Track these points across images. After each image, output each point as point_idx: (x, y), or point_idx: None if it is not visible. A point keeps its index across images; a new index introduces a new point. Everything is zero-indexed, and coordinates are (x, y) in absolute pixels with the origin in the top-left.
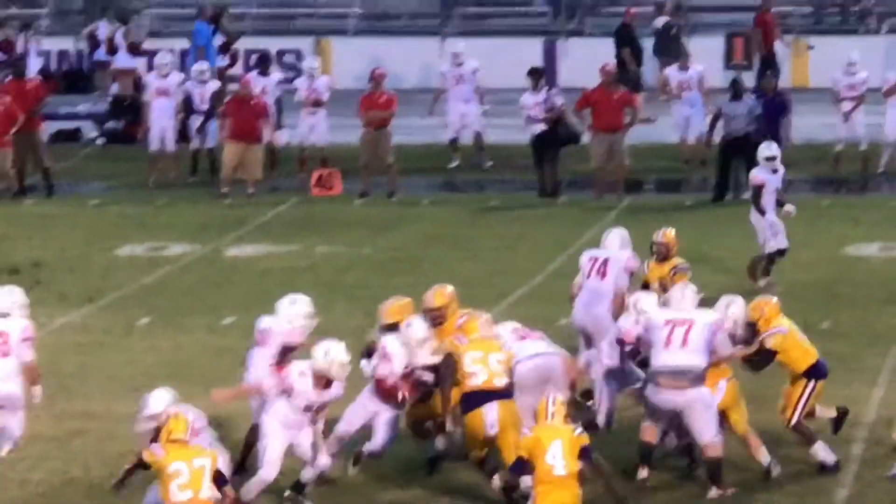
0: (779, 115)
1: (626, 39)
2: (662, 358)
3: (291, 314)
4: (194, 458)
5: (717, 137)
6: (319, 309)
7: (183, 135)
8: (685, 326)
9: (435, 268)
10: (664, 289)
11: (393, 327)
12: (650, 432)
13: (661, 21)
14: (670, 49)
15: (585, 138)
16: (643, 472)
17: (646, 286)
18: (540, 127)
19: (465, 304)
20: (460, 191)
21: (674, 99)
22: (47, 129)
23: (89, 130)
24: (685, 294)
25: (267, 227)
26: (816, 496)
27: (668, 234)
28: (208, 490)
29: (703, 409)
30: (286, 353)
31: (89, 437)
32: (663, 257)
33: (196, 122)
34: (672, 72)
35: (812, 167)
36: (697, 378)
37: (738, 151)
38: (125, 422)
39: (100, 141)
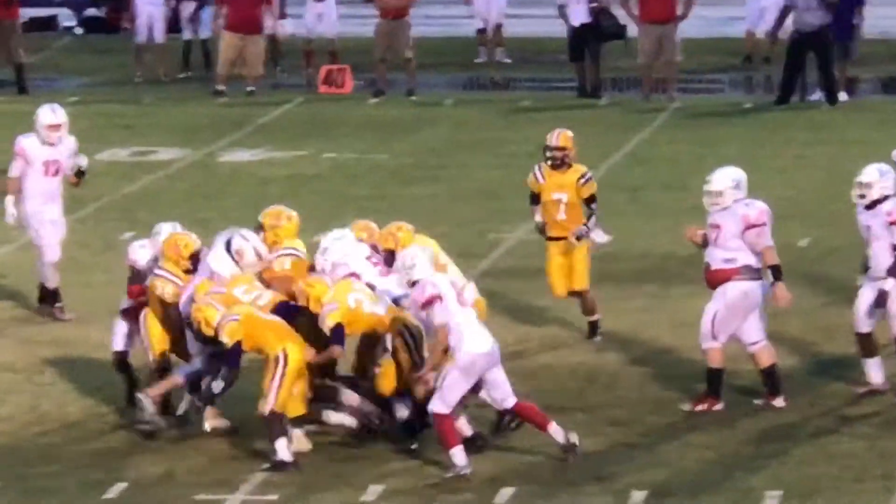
0: (853, 7)
1: None
2: None
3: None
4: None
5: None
6: (326, 223)
7: (173, 24)
8: None
9: (458, 176)
10: (567, 201)
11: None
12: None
13: None
14: None
15: (632, 31)
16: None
17: (536, 198)
18: (580, 18)
19: (493, 218)
20: (487, 89)
21: None
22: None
23: (66, 18)
24: None
25: (268, 130)
26: (891, 439)
27: (564, 135)
28: None
29: None
30: None
31: (63, 367)
32: (559, 163)
33: (188, 9)
34: None
35: (884, 65)
36: None
37: (810, 48)
38: (104, 349)
39: (78, 30)
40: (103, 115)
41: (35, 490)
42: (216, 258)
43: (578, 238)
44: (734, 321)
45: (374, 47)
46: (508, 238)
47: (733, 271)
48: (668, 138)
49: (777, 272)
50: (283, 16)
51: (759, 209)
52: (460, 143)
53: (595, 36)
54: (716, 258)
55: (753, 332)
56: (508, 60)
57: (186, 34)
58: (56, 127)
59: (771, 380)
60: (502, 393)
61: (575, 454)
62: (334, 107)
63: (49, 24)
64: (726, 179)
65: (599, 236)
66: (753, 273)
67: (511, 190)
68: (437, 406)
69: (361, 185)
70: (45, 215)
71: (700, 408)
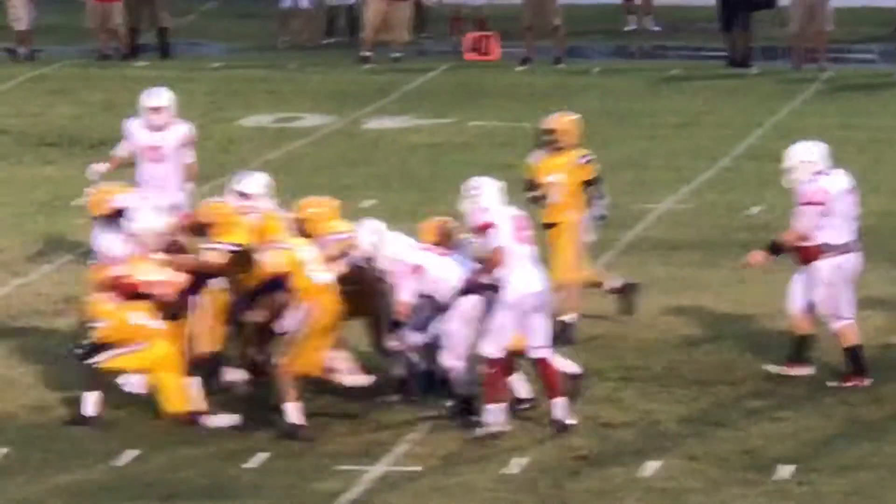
0: None
1: None
2: None
3: None
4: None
5: None
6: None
7: None
8: None
9: (605, 146)
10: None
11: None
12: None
13: None
14: None
15: None
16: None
17: (532, 185)
18: None
19: (639, 188)
20: (636, 58)
21: None
22: None
23: None
24: None
25: (413, 97)
26: None
27: (561, 119)
28: None
29: None
30: None
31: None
32: (557, 147)
33: None
34: None
35: None
36: None
37: None
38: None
39: None
40: (247, 80)
41: (177, 460)
42: None
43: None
44: (841, 294)
45: (522, 15)
46: (655, 208)
47: (815, 249)
48: (818, 109)
49: (775, 248)
50: None
51: (819, 187)
52: (607, 113)
53: (745, 5)
54: None
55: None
56: (658, 28)
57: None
58: (157, 110)
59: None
60: (538, 341)
61: (561, 432)
62: (481, 74)
63: None
64: (798, 155)
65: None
66: (838, 248)
67: (658, 160)
68: (489, 348)
69: (507, 153)
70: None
71: (850, 384)
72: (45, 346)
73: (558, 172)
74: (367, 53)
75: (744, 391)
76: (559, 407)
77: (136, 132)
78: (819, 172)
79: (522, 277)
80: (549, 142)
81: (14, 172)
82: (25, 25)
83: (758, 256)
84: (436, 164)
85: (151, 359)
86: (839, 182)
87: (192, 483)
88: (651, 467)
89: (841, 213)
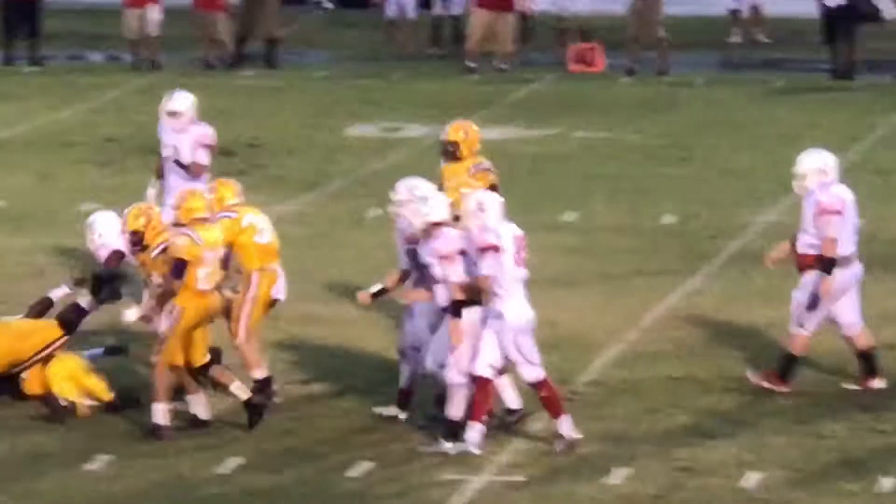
0: None
1: None
2: None
3: None
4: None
5: None
6: (573, 202)
7: (425, 0)
8: None
9: (708, 157)
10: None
11: None
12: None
13: None
14: None
15: (888, 13)
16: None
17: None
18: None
19: (743, 199)
20: (740, 70)
21: None
22: None
23: None
24: None
25: (518, 107)
26: None
27: (453, 127)
28: None
29: None
30: None
31: (311, 343)
32: (452, 157)
33: None
34: None
35: None
36: None
37: None
38: (353, 325)
39: (328, 5)
40: (352, 90)
41: (280, 469)
42: None
43: None
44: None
45: (627, 26)
46: (759, 220)
47: (817, 258)
48: None
49: (825, 265)
50: None
51: (835, 196)
52: (711, 124)
53: (848, 17)
54: (802, 242)
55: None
56: (767, 40)
57: (437, 10)
58: (175, 114)
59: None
60: (532, 360)
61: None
62: (585, 85)
63: None
64: (811, 162)
65: None
66: (847, 259)
67: (761, 171)
68: (481, 368)
69: (611, 164)
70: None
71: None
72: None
73: (456, 181)
74: (472, 64)
75: (846, 403)
76: (565, 424)
77: (163, 137)
78: (829, 182)
79: (517, 301)
80: (446, 151)
81: (120, 179)
82: (157, 32)
83: (827, 285)
84: (540, 175)
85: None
86: (848, 192)
87: (294, 492)
88: (752, 478)
89: (851, 223)
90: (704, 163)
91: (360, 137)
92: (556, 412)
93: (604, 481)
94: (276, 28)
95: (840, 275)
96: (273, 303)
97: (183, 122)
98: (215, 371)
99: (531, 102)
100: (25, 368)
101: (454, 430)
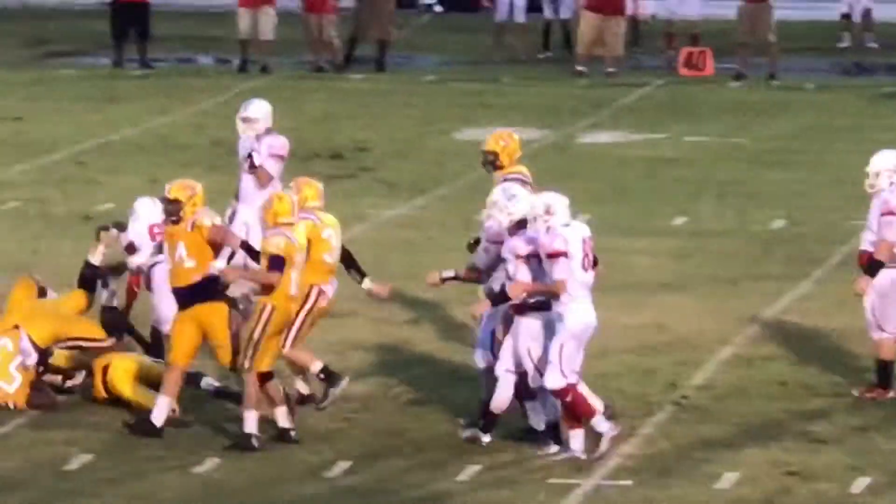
0: None
1: None
2: None
3: None
4: None
5: None
6: (684, 207)
7: (534, 3)
8: None
9: (818, 163)
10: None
11: None
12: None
13: None
14: None
15: None
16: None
17: None
18: None
19: (852, 204)
20: (851, 75)
21: None
22: None
23: None
24: None
25: (627, 112)
26: None
27: (494, 137)
28: None
29: None
30: None
31: (421, 345)
32: (492, 166)
33: None
34: None
35: None
36: None
37: None
38: (462, 330)
39: (438, 8)
40: (461, 94)
41: (387, 472)
42: None
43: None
44: (890, 308)
45: (737, 30)
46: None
47: (868, 256)
48: None
49: (872, 267)
50: None
51: None
52: (821, 129)
53: None
54: (865, 240)
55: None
56: (876, 46)
57: (547, 14)
58: (247, 120)
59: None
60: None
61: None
62: (695, 90)
63: (410, 1)
64: (884, 161)
65: None
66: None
67: None
68: (556, 380)
69: (721, 169)
70: (241, 216)
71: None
72: None
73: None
74: (582, 68)
75: None
76: (577, 438)
77: (241, 144)
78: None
79: (582, 306)
80: (484, 161)
81: (227, 183)
82: (271, 36)
83: (863, 283)
84: (650, 179)
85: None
86: None
87: (403, 496)
88: (862, 483)
89: None
90: (814, 167)
91: (470, 141)
92: (572, 423)
93: (713, 486)
94: (389, 31)
95: (885, 277)
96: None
97: (257, 129)
98: (270, 386)
99: (640, 106)
100: (64, 348)
101: (490, 423)
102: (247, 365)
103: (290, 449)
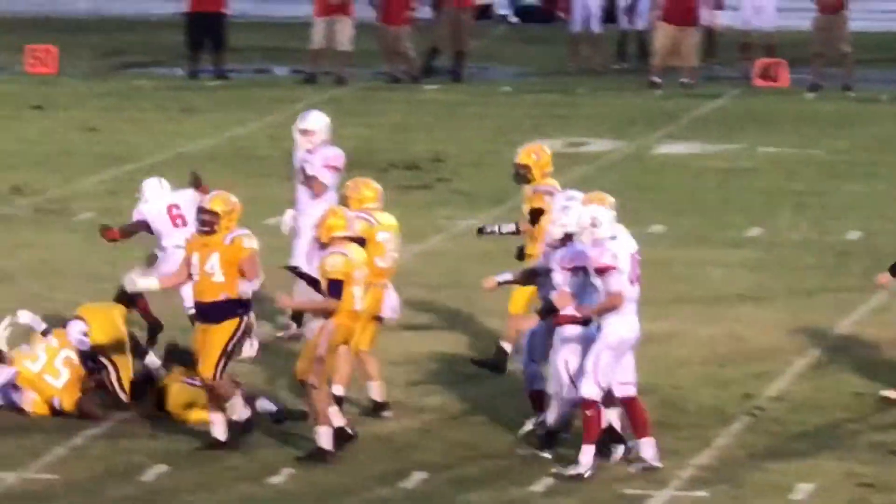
0: None
1: None
2: None
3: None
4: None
5: None
6: (759, 218)
7: (610, 14)
8: None
9: (894, 173)
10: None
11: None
12: None
13: None
14: None
15: None
16: None
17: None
18: None
19: None
20: None
21: None
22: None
23: (502, 6)
24: None
25: (702, 122)
26: None
27: (525, 150)
28: None
29: None
30: None
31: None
32: (523, 179)
33: (625, 0)
34: None
35: None
36: None
37: None
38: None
39: (513, 19)
40: (537, 105)
41: (462, 480)
42: None
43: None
44: None
45: (812, 41)
46: None
47: None
48: None
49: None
50: (719, 7)
51: None
52: None
53: None
54: None
55: None
56: None
57: (623, 24)
58: (306, 132)
59: None
60: (626, 377)
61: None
62: (770, 100)
63: (485, 11)
64: None
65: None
66: None
67: None
68: (589, 390)
69: (796, 180)
70: (298, 223)
71: None
72: None
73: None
74: (657, 79)
75: None
76: (647, 446)
77: (295, 153)
78: None
79: (628, 320)
80: (516, 175)
81: None
82: (348, 46)
83: (883, 279)
84: (725, 190)
85: None
86: None
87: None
88: None
89: None
90: (890, 179)
91: None
92: (640, 432)
93: (787, 497)
94: (467, 42)
95: None
96: (379, 320)
97: (314, 141)
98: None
99: (716, 117)
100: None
101: (551, 439)
102: (314, 382)
103: (363, 460)
